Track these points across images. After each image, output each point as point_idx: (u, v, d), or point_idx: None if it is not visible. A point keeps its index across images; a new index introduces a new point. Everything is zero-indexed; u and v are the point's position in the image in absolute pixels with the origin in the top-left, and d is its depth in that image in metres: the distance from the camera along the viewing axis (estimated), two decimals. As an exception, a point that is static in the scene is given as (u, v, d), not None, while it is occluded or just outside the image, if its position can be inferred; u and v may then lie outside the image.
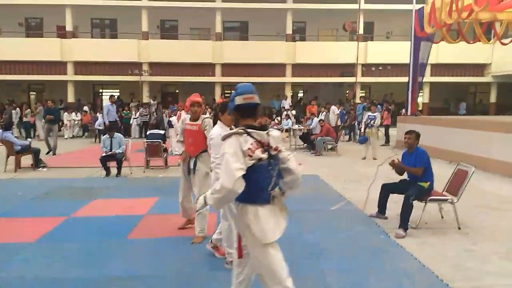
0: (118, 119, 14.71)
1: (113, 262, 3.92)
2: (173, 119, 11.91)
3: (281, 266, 2.48)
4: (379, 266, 3.80)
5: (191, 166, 4.42)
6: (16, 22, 22.08)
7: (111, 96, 14.19)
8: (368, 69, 21.55)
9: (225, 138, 2.42)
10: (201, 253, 4.09)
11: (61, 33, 21.28)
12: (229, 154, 2.35)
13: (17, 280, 3.50)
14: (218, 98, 20.47)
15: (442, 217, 5.21)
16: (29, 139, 11.11)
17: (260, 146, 2.42)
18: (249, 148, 2.38)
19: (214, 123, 3.86)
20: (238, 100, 2.50)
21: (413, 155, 5.05)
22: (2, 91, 21.44)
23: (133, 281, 3.51)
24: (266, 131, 2.48)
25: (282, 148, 2.53)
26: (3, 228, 4.97)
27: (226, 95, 22.47)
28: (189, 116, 4.55)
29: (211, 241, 4.03)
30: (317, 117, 13.67)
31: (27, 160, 9.29)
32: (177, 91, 24.55)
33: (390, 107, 15.66)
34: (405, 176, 5.20)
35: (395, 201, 5.07)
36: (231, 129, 3.46)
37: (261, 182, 2.43)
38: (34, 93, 24.14)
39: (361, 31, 21.47)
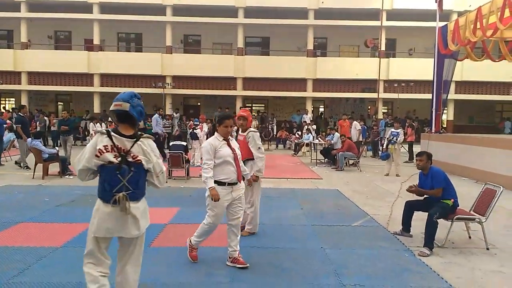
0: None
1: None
2: (198, 131, 12.06)
3: (95, 257, 2.79)
4: (402, 284, 3.72)
5: None
6: (46, 35, 23.01)
7: (159, 109, 14.64)
8: (391, 85, 21.39)
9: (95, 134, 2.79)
10: (223, 264, 4.10)
11: (89, 46, 22.04)
12: (87, 148, 2.71)
13: (43, 284, 3.58)
14: (238, 111, 20.65)
15: (470, 237, 5.07)
16: (56, 148, 11.41)
17: (116, 151, 2.63)
18: (99, 149, 2.64)
19: (213, 134, 4.14)
20: (111, 106, 2.78)
21: (428, 176, 4.96)
22: (31, 101, 22.24)
23: (150, 286, 3.55)
24: (135, 139, 2.70)
25: (143, 160, 2.72)
26: (30, 233, 5.10)
27: (247, 107, 22.67)
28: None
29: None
30: (350, 132, 13.79)
31: (54, 167, 9.56)
32: (199, 103, 24.93)
33: (413, 123, 15.41)
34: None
35: (421, 219, 4.97)
36: (225, 138, 3.97)
37: (103, 182, 2.67)
38: (62, 103, 24.94)
39: (383, 48, 21.42)
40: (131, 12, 21.00)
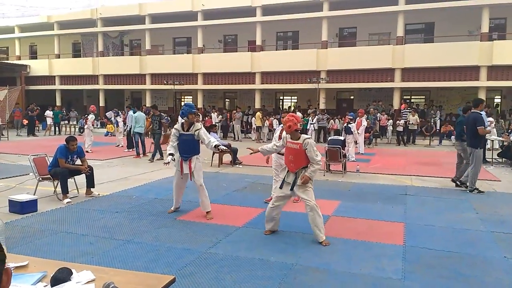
0: None
1: (306, 254, 4.32)
2: (352, 125, 12.00)
3: None
4: None
5: (288, 180, 4.85)
6: (217, 39, 26.04)
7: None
8: None
9: None
10: (395, 260, 4.10)
11: (252, 47, 24.03)
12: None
13: (232, 257, 4.22)
14: (396, 104, 19.62)
15: None
16: (226, 141, 12.89)
17: None
18: None
19: None
20: None
21: None
22: (204, 99, 25.58)
23: (324, 274, 3.82)
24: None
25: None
26: (217, 213, 5.99)
27: (406, 100, 21.30)
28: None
29: None
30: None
31: (226, 157, 10.90)
32: (351, 97, 24.57)
33: None
34: None
35: None
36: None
37: None
38: (228, 100, 27.94)
39: None
40: (290, 12, 21.99)
